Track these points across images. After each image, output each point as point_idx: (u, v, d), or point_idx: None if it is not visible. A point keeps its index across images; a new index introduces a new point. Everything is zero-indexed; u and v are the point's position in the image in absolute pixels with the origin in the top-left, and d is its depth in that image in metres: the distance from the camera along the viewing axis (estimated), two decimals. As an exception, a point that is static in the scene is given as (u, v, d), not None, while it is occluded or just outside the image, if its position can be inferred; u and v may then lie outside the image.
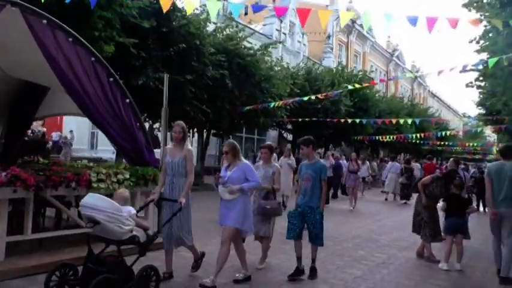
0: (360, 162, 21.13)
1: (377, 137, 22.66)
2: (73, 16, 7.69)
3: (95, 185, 5.43)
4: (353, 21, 39.80)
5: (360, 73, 26.25)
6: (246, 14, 39.01)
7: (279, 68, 19.60)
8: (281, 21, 29.11)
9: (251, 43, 16.16)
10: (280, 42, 18.49)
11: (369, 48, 43.56)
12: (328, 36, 37.10)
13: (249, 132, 26.48)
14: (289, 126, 22.97)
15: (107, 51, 9.11)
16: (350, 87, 15.20)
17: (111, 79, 5.87)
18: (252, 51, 15.45)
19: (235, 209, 4.73)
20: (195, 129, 16.26)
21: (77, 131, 21.27)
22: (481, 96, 14.53)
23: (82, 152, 22.05)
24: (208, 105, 13.97)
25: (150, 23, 11.08)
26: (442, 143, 28.22)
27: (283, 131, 24.37)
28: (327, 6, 38.13)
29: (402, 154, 37.23)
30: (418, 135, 21.89)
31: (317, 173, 5.27)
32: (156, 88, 11.57)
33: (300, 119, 17.13)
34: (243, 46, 15.27)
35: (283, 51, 29.13)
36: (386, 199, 17.13)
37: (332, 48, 36.64)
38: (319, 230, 5.26)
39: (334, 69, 25.31)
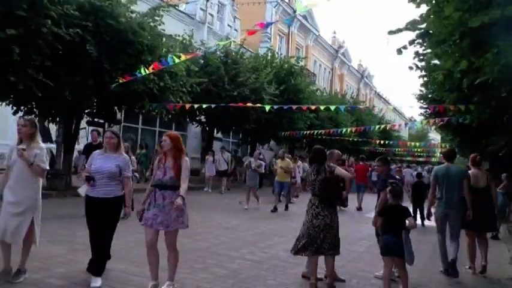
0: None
1: (304, 132, 19.49)
2: None
3: None
4: (294, 11, 36.90)
5: (292, 59, 23.01)
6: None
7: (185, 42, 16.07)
8: (207, 0, 25.46)
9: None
10: (174, 6, 14.67)
11: (312, 41, 40.79)
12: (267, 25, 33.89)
13: (166, 126, 22.66)
14: (204, 119, 19.43)
15: None
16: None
17: None
18: (133, 14, 11.70)
19: None
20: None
21: None
22: (421, 76, 11.39)
23: None
24: (61, 77, 10.13)
25: None
26: (383, 142, 25.61)
27: (194, 124, 20.67)
28: (266, -8, 35.01)
29: (347, 155, 34.62)
30: (350, 129, 18.83)
31: None
32: None
33: (195, 105, 13.19)
34: (124, 7, 11.48)
35: (209, 34, 25.59)
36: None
37: (270, 38, 33.43)
38: None
39: (264, 54, 22.00)
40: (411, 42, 7.76)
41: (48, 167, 4.71)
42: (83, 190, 4.75)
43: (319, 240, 4.96)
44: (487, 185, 6.45)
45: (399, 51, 7.63)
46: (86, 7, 10.81)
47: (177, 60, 10.05)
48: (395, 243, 4.82)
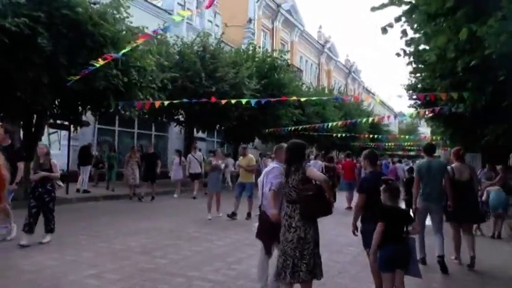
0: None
1: (289, 129, 18.57)
2: None
3: None
4: (278, 5, 35.97)
5: (274, 52, 22.03)
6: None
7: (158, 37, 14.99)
8: (184, -6, 24.42)
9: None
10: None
11: (297, 37, 39.87)
12: (249, 20, 32.92)
13: (145, 127, 21.60)
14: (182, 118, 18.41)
15: None
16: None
17: None
18: (95, 5, 10.68)
19: None
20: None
21: None
22: (410, 62, 10.43)
23: None
24: (11, 74, 9.09)
25: None
26: (372, 136, 24.77)
27: (173, 124, 19.67)
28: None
29: (336, 152, 33.78)
30: (337, 123, 17.90)
31: None
32: None
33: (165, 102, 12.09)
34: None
35: (188, 30, 24.54)
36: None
37: (254, 34, 32.45)
38: None
39: (245, 48, 21.00)
40: (397, 19, 6.82)
41: None
42: None
43: (296, 259, 3.96)
44: (469, 178, 6.58)
45: (384, 30, 6.67)
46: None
47: (128, 48, 9.00)
48: (398, 253, 4.09)
